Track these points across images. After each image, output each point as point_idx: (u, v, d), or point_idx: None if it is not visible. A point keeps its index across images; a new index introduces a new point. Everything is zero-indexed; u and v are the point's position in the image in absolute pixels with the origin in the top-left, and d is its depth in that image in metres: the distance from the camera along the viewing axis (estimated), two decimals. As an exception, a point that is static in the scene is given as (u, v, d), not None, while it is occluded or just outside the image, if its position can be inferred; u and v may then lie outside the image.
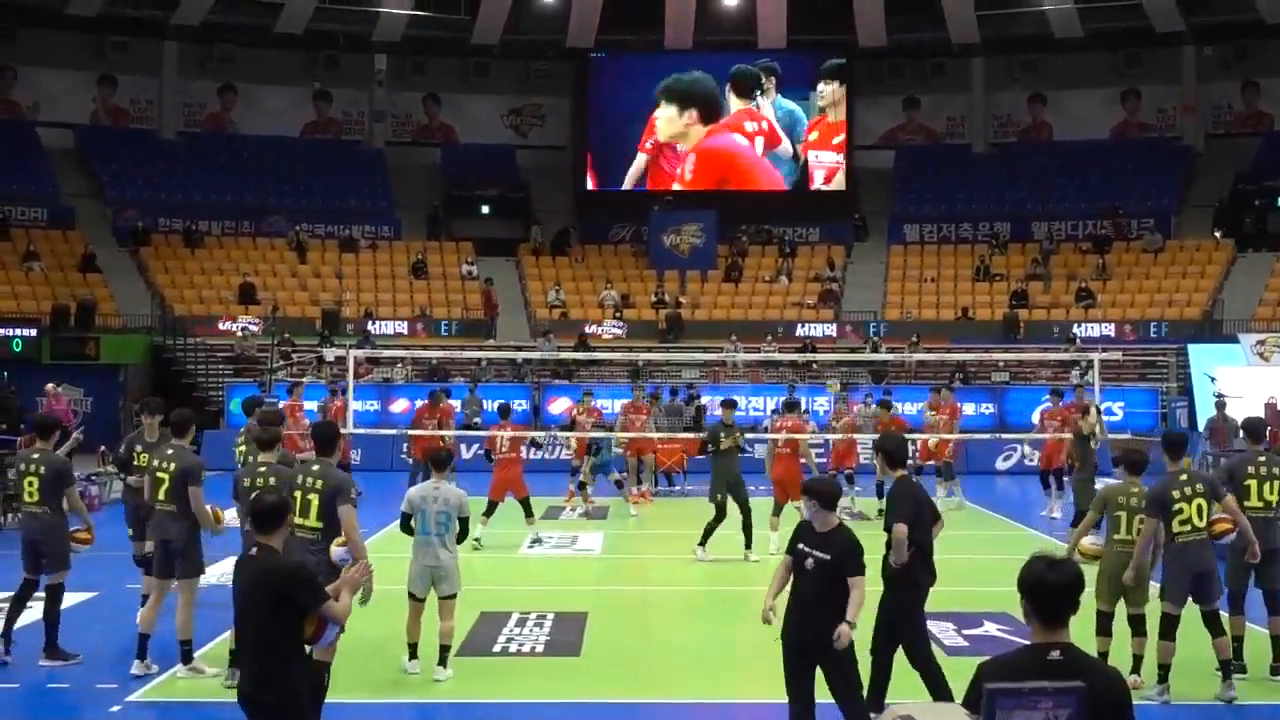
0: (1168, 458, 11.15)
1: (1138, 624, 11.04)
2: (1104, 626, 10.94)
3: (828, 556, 8.40)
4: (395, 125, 47.39)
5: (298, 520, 9.63)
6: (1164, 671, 10.78)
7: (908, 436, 24.06)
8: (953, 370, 34.28)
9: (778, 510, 18.08)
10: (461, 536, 11.39)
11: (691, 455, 26.98)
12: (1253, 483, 11.42)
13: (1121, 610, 11.09)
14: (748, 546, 17.46)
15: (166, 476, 11.24)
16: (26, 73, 43.55)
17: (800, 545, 8.51)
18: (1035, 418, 25.58)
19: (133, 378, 34.55)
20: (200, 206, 42.81)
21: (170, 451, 11.44)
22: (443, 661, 11.19)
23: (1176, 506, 10.69)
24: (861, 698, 8.72)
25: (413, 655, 11.28)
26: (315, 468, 10.01)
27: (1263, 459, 11.68)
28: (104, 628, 12.32)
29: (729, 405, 19.09)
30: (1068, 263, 41.77)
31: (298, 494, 9.76)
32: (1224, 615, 11.18)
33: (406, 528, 11.14)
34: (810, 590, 8.42)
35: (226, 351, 35.84)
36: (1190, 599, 10.85)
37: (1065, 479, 21.88)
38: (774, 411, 26.05)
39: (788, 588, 8.66)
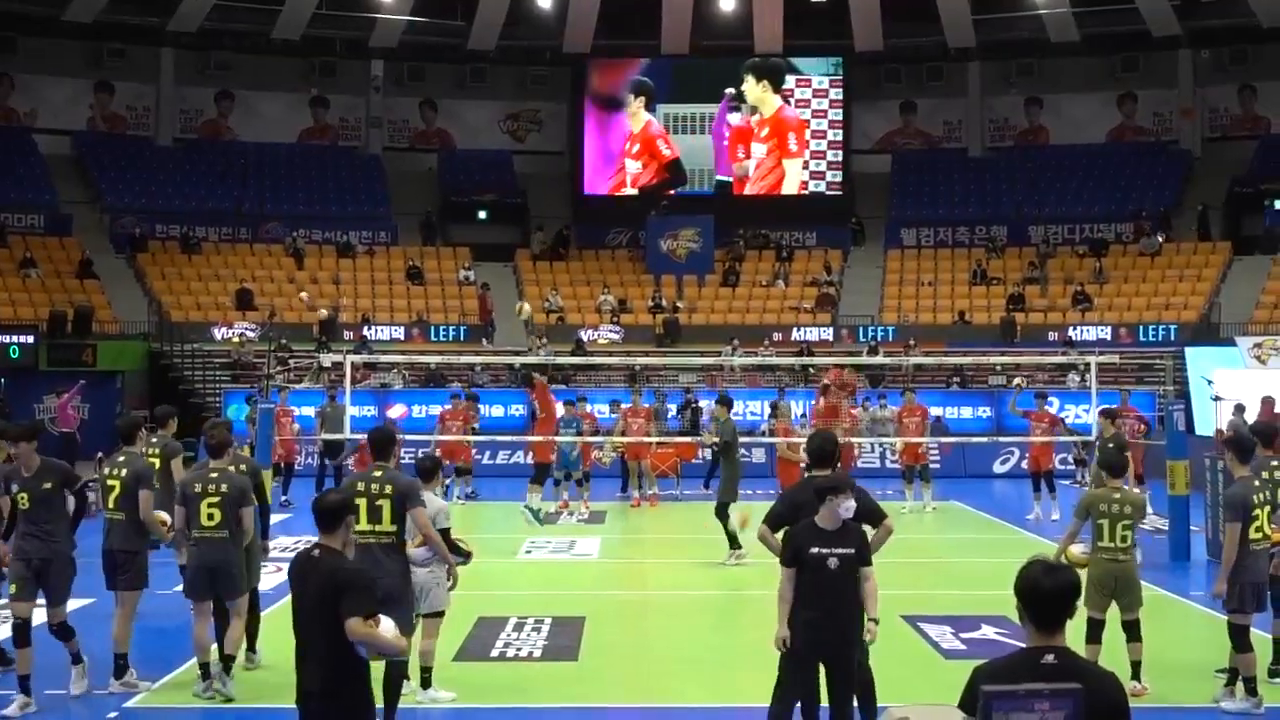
0: (1236, 460, 10.96)
1: (1132, 629, 10.88)
2: (1094, 634, 10.69)
3: (851, 550, 8.36)
4: (392, 131, 47.39)
5: (372, 526, 9.67)
6: (1251, 684, 10.50)
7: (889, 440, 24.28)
8: (949, 374, 34.32)
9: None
10: (455, 553, 10.62)
11: (685, 460, 26.99)
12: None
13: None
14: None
15: (117, 483, 11.11)
16: (23, 80, 43.53)
17: (814, 549, 8.33)
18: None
19: (130, 384, 34.52)
20: (197, 213, 42.77)
21: (122, 458, 11.34)
22: (425, 683, 10.66)
23: (1255, 512, 10.49)
24: (852, 702, 8.67)
25: (404, 675, 10.40)
26: (377, 473, 9.95)
27: (1275, 463, 11.41)
28: (102, 633, 12.26)
29: (720, 404, 19.33)
30: (1064, 266, 41.79)
31: (362, 501, 9.65)
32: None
33: None
34: (836, 590, 8.29)
35: (224, 357, 35.82)
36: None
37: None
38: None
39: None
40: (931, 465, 25.50)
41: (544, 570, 17.50)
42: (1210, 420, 26.91)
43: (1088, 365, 23.44)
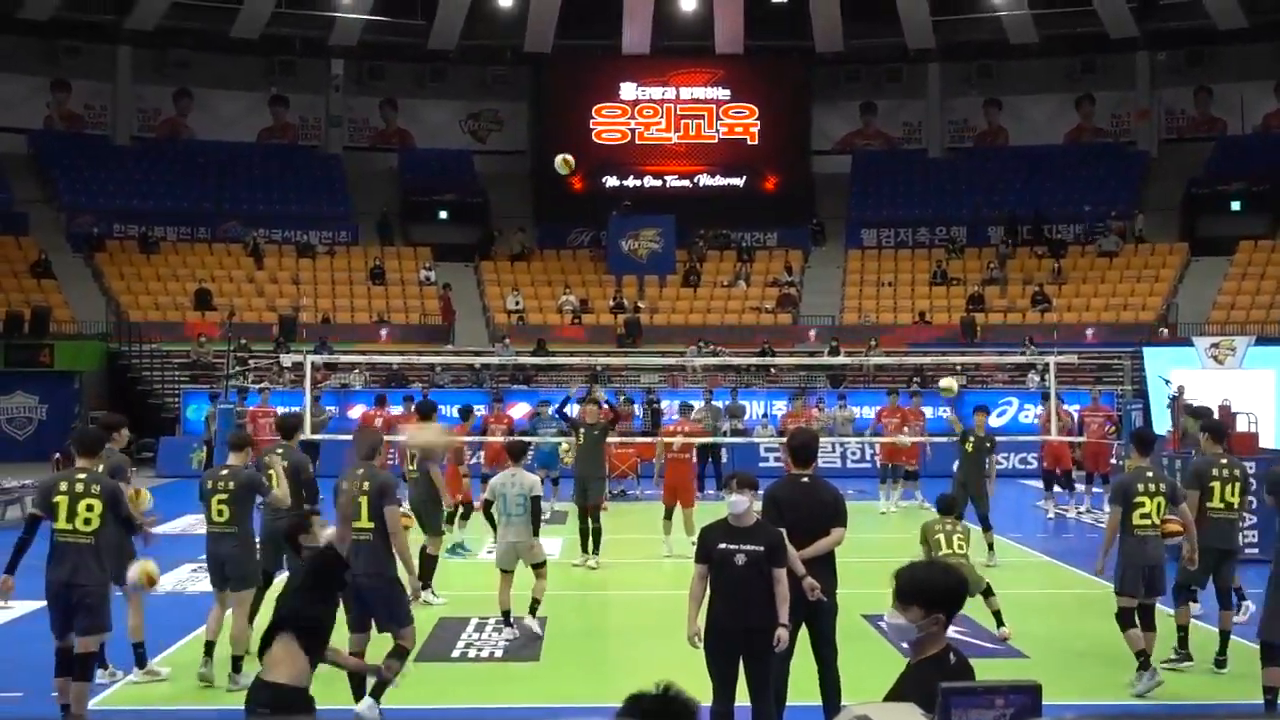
0: (1136, 453, 11.57)
1: (984, 595, 12.40)
2: None
3: (760, 548, 8.41)
4: (352, 130, 47.21)
5: (354, 523, 9.72)
6: (1144, 658, 11.03)
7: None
8: (910, 374, 34.42)
9: (668, 514, 18.31)
10: (534, 517, 13.03)
11: (645, 460, 26.99)
12: (1216, 484, 11.83)
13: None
14: (584, 550, 17.64)
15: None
16: (-22, 78, 43.18)
17: (722, 545, 8.45)
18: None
19: (88, 385, 34.26)
20: (156, 212, 42.46)
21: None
22: (533, 611, 13.00)
23: (1138, 500, 10.99)
24: (772, 700, 8.75)
25: (506, 622, 12.98)
26: (360, 471, 10.31)
27: (1225, 461, 12.09)
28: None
29: (590, 402, 20.01)
30: (1024, 267, 42.02)
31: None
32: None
33: (488, 513, 13.61)
34: (742, 583, 8.39)
35: (182, 358, 35.59)
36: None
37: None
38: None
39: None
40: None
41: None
42: (1167, 419, 27.07)
43: (1047, 365, 23.58)
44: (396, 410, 25.57)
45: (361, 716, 9.72)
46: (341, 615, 9.45)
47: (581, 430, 18.56)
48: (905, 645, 5.33)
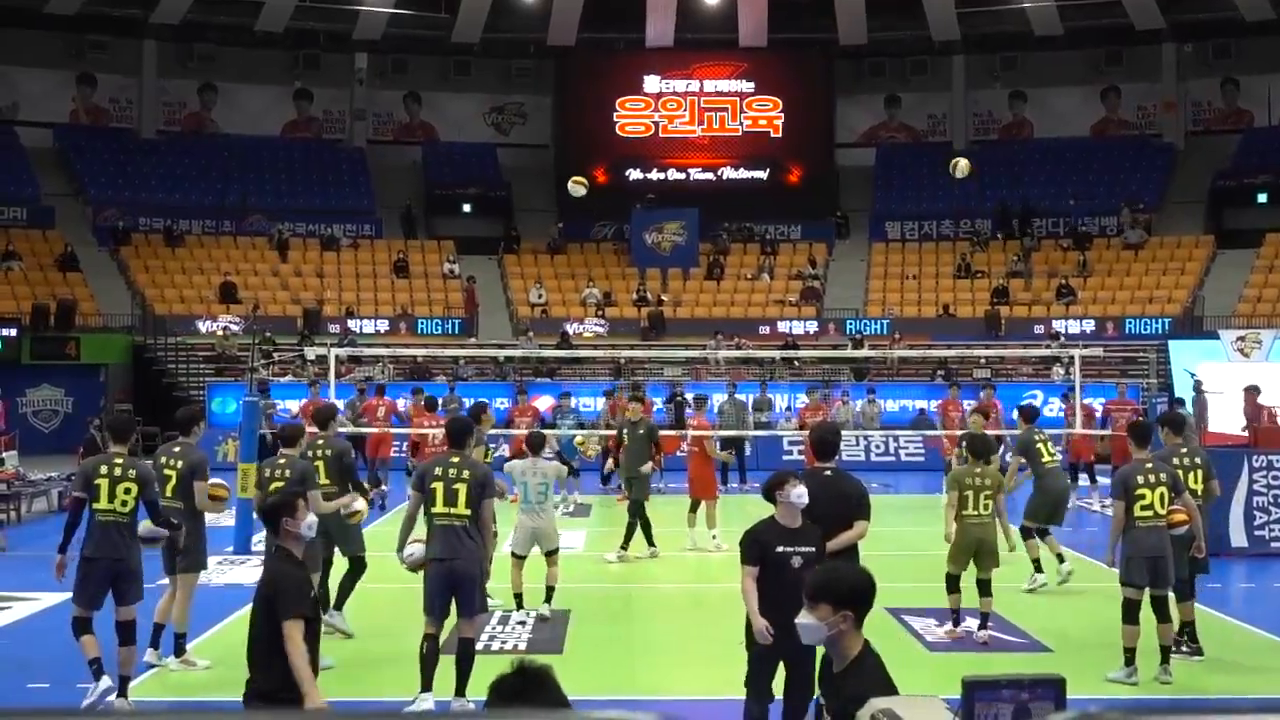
0: (1134, 445, 11.66)
1: (985, 587, 12.68)
2: (953, 586, 12.71)
3: (813, 549, 8.41)
4: (376, 124, 47.30)
5: (448, 509, 10.20)
6: (1130, 655, 11.13)
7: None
8: (934, 367, 34.38)
9: (692, 508, 18.35)
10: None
11: (668, 453, 27.01)
12: (1178, 474, 11.83)
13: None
14: (648, 544, 17.70)
15: (174, 473, 11.51)
16: (5, 72, 43.28)
17: (780, 549, 8.42)
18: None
19: (114, 377, 34.45)
20: (181, 206, 42.64)
21: (177, 449, 11.74)
22: (548, 600, 13.61)
23: (1139, 492, 11.07)
24: (809, 703, 8.76)
25: (519, 605, 13.60)
26: (455, 459, 10.49)
27: (1185, 450, 12.40)
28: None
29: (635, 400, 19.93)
30: (1049, 259, 41.86)
31: (439, 484, 10.24)
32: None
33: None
34: (795, 586, 8.35)
35: (207, 351, 35.74)
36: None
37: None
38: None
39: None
40: (915, 458, 25.51)
41: (529, 564, 17.44)
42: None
43: (1072, 358, 23.55)
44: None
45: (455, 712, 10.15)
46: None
47: (624, 430, 18.57)
48: (823, 645, 5.37)
